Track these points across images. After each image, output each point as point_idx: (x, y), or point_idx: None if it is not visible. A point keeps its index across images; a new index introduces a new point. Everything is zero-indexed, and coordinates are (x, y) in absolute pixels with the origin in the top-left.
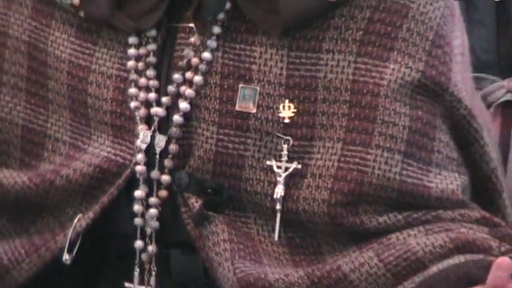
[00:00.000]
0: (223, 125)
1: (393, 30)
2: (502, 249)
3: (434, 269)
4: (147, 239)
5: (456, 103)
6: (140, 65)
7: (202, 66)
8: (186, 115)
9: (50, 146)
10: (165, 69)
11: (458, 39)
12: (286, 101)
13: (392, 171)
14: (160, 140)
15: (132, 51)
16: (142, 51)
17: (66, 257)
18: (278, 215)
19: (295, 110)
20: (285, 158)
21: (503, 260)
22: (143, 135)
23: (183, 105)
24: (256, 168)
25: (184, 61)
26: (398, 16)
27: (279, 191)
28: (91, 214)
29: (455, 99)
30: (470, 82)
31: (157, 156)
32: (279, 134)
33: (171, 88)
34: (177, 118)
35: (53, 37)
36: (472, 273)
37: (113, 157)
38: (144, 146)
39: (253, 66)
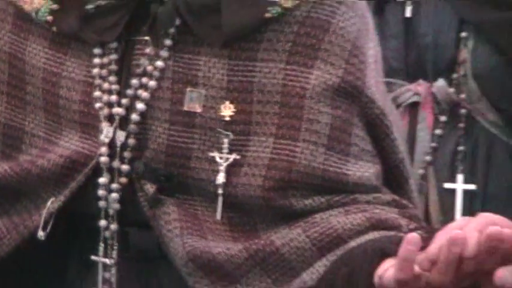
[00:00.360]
0: (174, 122)
1: (317, 42)
2: (411, 226)
3: (352, 243)
4: (109, 219)
5: (370, 104)
6: (104, 72)
7: (156, 73)
8: (142, 114)
9: (28, 141)
10: (125, 76)
11: (372, 50)
12: (227, 102)
13: (316, 161)
14: (121, 135)
15: (96, 60)
16: (105, 60)
17: (40, 233)
18: (220, 199)
19: (234, 110)
20: (225, 150)
21: (412, 235)
22: (106, 131)
23: (140, 106)
24: (201, 159)
25: (141, 68)
26: (321, 30)
27: (221, 178)
28: (62, 198)
29: (370, 100)
30: (382, 86)
31: (118, 149)
32: (220, 130)
33: (129, 91)
34: (134, 117)
35: (30, 48)
36: (385, 247)
37: (81, 150)
38: (107, 140)
39: (199, 73)
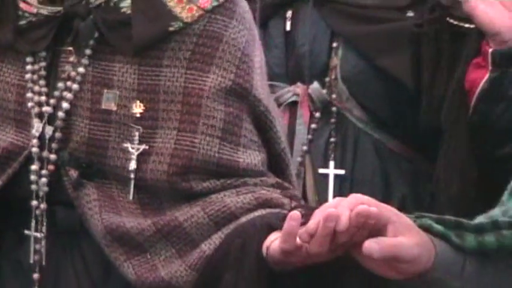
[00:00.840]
0: (93, 119)
1: (212, 51)
2: (292, 205)
3: (243, 219)
4: (39, 200)
5: (257, 102)
6: (34, 77)
7: (78, 78)
8: (67, 112)
9: None
10: (52, 80)
11: (258, 58)
12: (138, 101)
13: (212, 150)
14: (49, 130)
15: (29, 67)
16: (36, 67)
17: None
18: (132, 182)
19: (143, 108)
20: (136, 142)
21: (294, 213)
22: (37, 126)
23: (65, 105)
24: (116, 149)
25: (66, 74)
26: (216, 41)
27: (132, 165)
28: (0, 182)
29: (256, 100)
30: (267, 88)
31: (47, 141)
32: (132, 125)
33: (56, 93)
34: (60, 114)
35: None
36: (272, 222)
37: (16, 142)
38: (37, 134)
39: (114, 77)
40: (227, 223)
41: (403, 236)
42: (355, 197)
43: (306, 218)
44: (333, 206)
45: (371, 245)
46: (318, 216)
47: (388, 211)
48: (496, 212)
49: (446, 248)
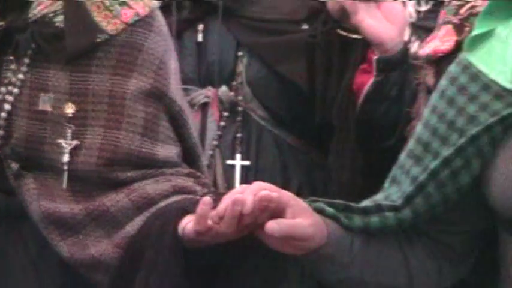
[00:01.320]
0: (31, 118)
1: (134, 59)
2: (204, 191)
3: (162, 204)
4: None
5: (172, 103)
6: None
7: (18, 83)
8: (9, 112)
9: None
10: None
11: (173, 65)
12: (70, 103)
13: (134, 144)
14: None
15: None
16: None
17: None
18: (65, 173)
19: (75, 109)
20: (69, 138)
21: (206, 198)
22: None
23: (7, 106)
24: (52, 144)
25: (7, 80)
26: (137, 50)
27: (65, 158)
28: None
29: (172, 101)
30: (181, 91)
31: None
32: (65, 124)
33: None
34: (3, 115)
35: None
36: (186, 206)
37: None
38: None
39: (49, 82)
40: (148, 207)
41: (300, 218)
42: (258, 184)
43: (216, 202)
44: (239, 192)
45: (272, 226)
46: (226, 201)
47: (286, 196)
48: (379, 197)
49: (337, 227)
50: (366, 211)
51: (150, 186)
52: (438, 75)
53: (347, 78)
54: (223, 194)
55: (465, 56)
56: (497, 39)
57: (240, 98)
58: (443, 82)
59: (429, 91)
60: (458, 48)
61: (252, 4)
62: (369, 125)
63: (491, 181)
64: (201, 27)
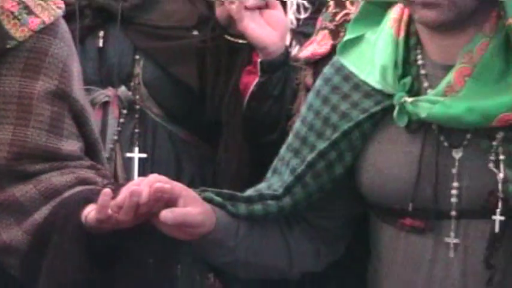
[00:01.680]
0: None
1: (40, 63)
2: (104, 182)
3: (66, 194)
4: None
5: (75, 102)
6: None
7: None
8: None
9: None
10: None
11: (76, 68)
12: None
13: (41, 140)
14: None
15: None
16: None
17: None
18: None
19: None
20: None
21: (106, 189)
22: None
23: None
24: None
25: None
26: (43, 55)
27: None
28: None
29: (75, 100)
30: (83, 91)
31: None
32: None
33: None
34: None
35: None
36: (88, 196)
37: None
38: None
39: None
40: (54, 197)
41: (191, 207)
42: (153, 177)
43: (115, 193)
44: (136, 184)
45: (166, 214)
46: (124, 192)
47: (178, 187)
48: (262, 186)
49: (224, 215)
50: (250, 200)
51: (56, 178)
52: (316, 75)
53: (234, 79)
54: (122, 185)
55: (338, 58)
56: (367, 44)
57: (137, 97)
58: (319, 82)
59: (308, 90)
60: (334, 51)
61: (147, 13)
62: (254, 121)
63: (362, 171)
64: (101, 33)
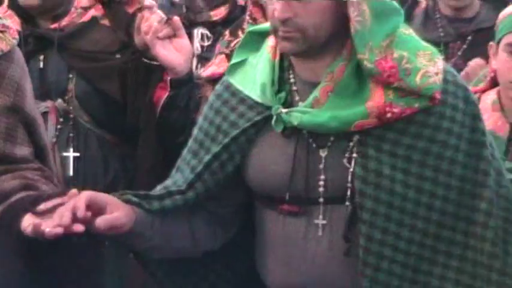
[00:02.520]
0: None
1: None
2: (48, 192)
3: (13, 198)
4: None
5: (27, 115)
6: None
7: None
8: None
9: None
10: None
11: (28, 86)
12: None
13: (1, 148)
14: None
15: None
16: None
17: None
18: None
19: None
20: None
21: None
22: None
23: None
24: None
25: None
26: (1, 77)
27: None
28: None
29: (27, 113)
30: (35, 105)
31: None
32: None
33: None
34: None
35: None
36: (26, 206)
37: None
38: None
39: None
40: (5, 200)
41: (117, 211)
42: (85, 194)
43: (55, 196)
44: (71, 205)
45: (99, 221)
46: (66, 209)
47: (104, 197)
48: (168, 182)
49: (142, 212)
50: (161, 197)
51: (7, 183)
52: None
53: (149, 93)
54: (63, 192)
55: (227, 78)
56: (249, 66)
57: (71, 108)
58: (212, 97)
59: None
60: None
61: (79, 40)
62: (165, 127)
63: (249, 168)
64: (41, 57)
